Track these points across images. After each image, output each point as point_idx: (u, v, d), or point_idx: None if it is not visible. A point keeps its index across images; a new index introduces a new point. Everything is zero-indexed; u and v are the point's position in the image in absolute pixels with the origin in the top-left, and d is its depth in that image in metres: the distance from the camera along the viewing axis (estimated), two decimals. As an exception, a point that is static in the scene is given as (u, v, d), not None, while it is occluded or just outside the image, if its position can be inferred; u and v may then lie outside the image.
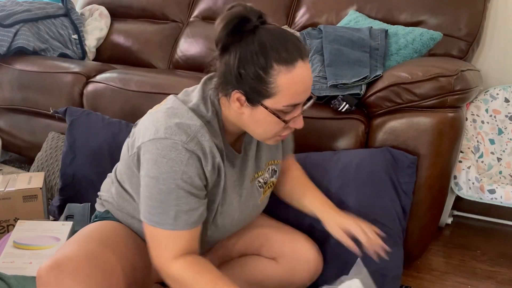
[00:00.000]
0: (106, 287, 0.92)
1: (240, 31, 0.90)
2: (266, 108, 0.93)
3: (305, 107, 0.99)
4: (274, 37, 0.90)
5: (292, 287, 1.18)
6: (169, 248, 0.95)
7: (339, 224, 1.09)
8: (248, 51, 0.89)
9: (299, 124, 0.98)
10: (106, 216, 1.16)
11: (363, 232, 1.06)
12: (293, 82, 0.90)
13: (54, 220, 1.70)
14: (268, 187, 1.18)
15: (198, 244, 1.00)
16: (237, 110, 0.97)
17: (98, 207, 1.21)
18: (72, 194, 1.62)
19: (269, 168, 1.16)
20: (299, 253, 1.17)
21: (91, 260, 0.92)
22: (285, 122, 0.95)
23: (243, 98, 0.94)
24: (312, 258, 1.18)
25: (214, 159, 0.97)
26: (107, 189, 1.17)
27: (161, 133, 0.93)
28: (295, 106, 0.94)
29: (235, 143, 1.08)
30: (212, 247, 1.24)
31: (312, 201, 1.17)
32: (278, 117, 0.94)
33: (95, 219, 1.19)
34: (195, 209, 0.96)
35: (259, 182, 1.14)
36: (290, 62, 0.89)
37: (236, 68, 0.91)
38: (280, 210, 1.42)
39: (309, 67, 0.94)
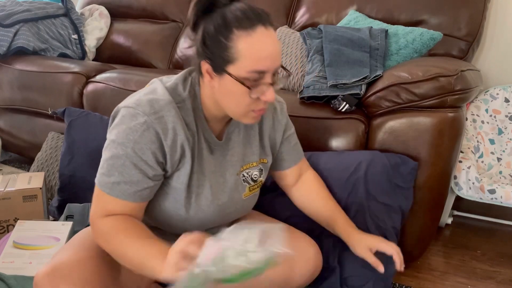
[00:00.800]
0: (99, 285, 0.94)
1: (208, 10, 0.94)
2: (230, 75, 0.93)
3: (280, 85, 0.99)
4: (237, 9, 0.93)
5: (292, 285, 1.18)
6: (103, 208, 0.97)
7: (369, 245, 1.16)
8: (212, 23, 0.93)
9: (268, 96, 0.96)
10: None
11: (396, 252, 1.14)
12: (253, 46, 0.91)
13: (54, 220, 1.70)
14: (257, 186, 1.18)
15: (137, 216, 1.00)
16: (209, 85, 0.98)
17: None
18: (71, 194, 1.62)
19: (258, 167, 1.17)
20: (298, 252, 1.17)
21: (84, 265, 0.94)
22: (249, 88, 0.93)
23: (210, 68, 0.95)
24: (312, 256, 1.18)
25: (176, 136, 0.97)
26: None
27: (131, 103, 0.97)
28: (260, 73, 0.93)
29: (221, 131, 1.09)
30: None
31: (339, 226, 1.22)
32: (243, 84, 0.93)
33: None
34: (135, 183, 0.96)
35: (244, 176, 1.13)
36: (249, 27, 0.91)
37: (202, 40, 0.94)
38: (279, 210, 1.42)
39: (273, 35, 0.94)
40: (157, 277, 0.86)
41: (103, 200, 0.98)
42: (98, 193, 0.99)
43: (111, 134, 0.98)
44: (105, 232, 0.95)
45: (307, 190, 1.29)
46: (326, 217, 1.25)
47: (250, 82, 0.94)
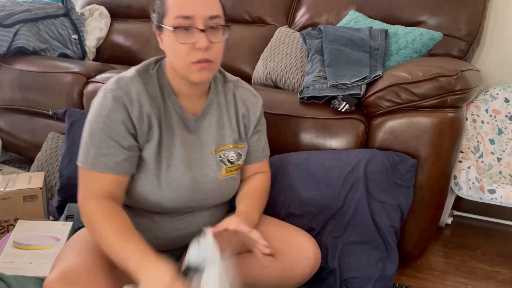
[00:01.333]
0: None
1: None
2: (163, 26, 1.03)
3: (221, 39, 1.03)
4: None
5: (292, 282, 1.18)
6: (88, 187, 1.03)
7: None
8: None
9: (200, 43, 0.99)
10: None
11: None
12: None
13: (54, 220, 1.70)
14: (235, 169, 1.20)
15: (120, 194, 1.06)
16: (161, 48, 1.07)
17: None
18: (71, 194, 1.62)
19: (235, 150, 1.20)
20: (298, 248, 1.17)
21: (90, 269, 0.98)
22: (174, 28, 0.99)
23: (155, 28, 1.06)
24: (311, 253, 1.18)
25: (142, 107, 1.04)
26: None
27: (101, 88, 1.07)
28: (186, 19, 0.99)
29: (196, 110, 1.15)
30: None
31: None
32: (174, 31, 1.00)
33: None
34: (113, 154, 1.03)
35: (221, 157, 1.17)
36: None
37: (153, 8, 1.07)
38: (278, 209, 1.42)
39: None
40: (129, 272, 0.94)
41: (87, 179, 1.04)
42: (81, 173, 1.05)
43: (87, 118, 1.06)
44: (91, 217, 1.01)
45: (246, 183, 1.27)
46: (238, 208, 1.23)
47: (181, 30, 1.00)
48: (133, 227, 1.01)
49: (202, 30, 1.00)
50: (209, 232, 0.98)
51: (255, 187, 1.26)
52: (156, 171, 1.09)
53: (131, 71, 1.09)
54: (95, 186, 1.03)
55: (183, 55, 1.02)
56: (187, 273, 0.96)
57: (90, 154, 1.03)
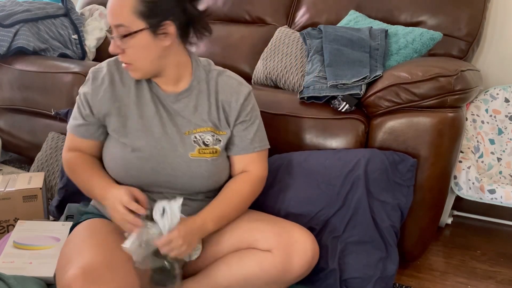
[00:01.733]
0: (126, 287, 1.03)
1: None
2: None
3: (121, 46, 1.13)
4: None
5: (290, 276, 1.18)
6: (67, 144, 1.27)
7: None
8: None
9: (109, 48, 1.14)
10: (90, 211, 1.29)
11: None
12: None
13: (54, 220, 1.70)
14: (210, 152, 1.21)
15: (88, 153, 1.25)
16: None
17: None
18: (71, 194, 1.62)
19: (213, 135, 1.22)
20: (295, 243, 1.17)
21: (110, 265, 1.03)
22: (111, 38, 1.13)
23: None
24: (308, 246, 1.18)
25: (110, 85, 1.21)
26: None
27: None
28: (110, 26, 1.13)
29: (171, 89, 1.22)
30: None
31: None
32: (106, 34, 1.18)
33: (83, 216, 1.28)
34: (76, 119, 1.24)
35: (196, 138, 1.20)
36: None
37: None
38: (277, 207, 1.42)
39: None
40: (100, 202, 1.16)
41: (67, 139, 1.28)
42: (67, 135, 1.28)
43: None
44: (69, 164, 1.24)
45: (234, 180, 1.28)
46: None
47: (108, 34, 1.14)
48: (99, 167, 1.23)
49: (112, 37, 1.13)
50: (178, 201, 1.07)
51: (237, 194, 1.24)
52: (126, 139, 1.19)
53: (113, 57, 1.24)
54: (71, 144, 1.26)
55: None
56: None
57: (70, 121, 1.25)
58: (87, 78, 1.23)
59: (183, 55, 1.21)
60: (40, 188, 1.41)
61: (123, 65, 1.16)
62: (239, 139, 1.26)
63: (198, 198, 1.25)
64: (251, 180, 1.27)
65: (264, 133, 1.32)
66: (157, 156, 1.18)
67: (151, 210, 1.08)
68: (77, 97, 1.24)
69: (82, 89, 1.23)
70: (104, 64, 1.24)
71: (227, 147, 1.27)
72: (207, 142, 1.21)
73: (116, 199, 1.09)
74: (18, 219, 1.39)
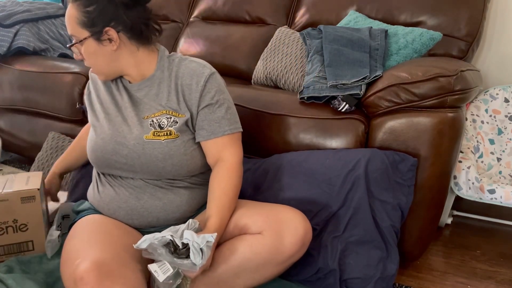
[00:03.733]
0: (135, 283, 1.06)
1: None
2: None
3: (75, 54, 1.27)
4: None
5: (283, 256, 1.18)
6: None
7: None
8: None
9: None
10: (86, 207, 1.36)
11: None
12: None
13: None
14: (164, 134, 1.24)
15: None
16: None
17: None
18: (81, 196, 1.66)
19: (170, 117, 1.25)
20: (284, 222, 1.17)
21: (119, 262, 1.07)
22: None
23: None
24: (299, 224, 1.18)
25: (94, 79, 1.38)
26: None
27: None
28: None
29: (139, 81, 1.30)
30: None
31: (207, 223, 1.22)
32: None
33: (80, 213, 1.34)
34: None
35: (153, 122, 1.26)
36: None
37: None
38: (269, 201, 1.42)
39: (70, 7, 1.20)
40: None
41: None
42: None
43: None
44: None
45: (214, 178, 1.28)
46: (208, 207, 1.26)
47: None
48: (75, 151, 1.55)
49: (71, 46, 1.24)
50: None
51: (223, 193, 1.25)
52: (94, 122, 1.31)
53: None
54: None
55: None
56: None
57: None
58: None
59: (144, 54, 1.27)
60: (38, 189, 1.40)
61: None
62: (207, 123, 1.26)
63: (178, 185, 1.28)
64: (228, 171, 1.26)
65: (235, 117, 1.30)
66: (116, 137, 1.25)
67: (169, 243, 1.08)
68: None
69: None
70: None
71: (197, 133, 1.27)
72: (162, 125, 1.25)
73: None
74: (17, 220, 1.39)
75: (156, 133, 1.24)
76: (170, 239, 1.07)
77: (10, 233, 1.41)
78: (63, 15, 2.49)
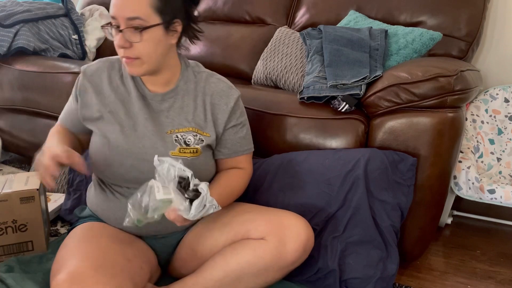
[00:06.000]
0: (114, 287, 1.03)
1: None
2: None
3: (137, 40, 1.12)
4: None
5: (285, 262, 1.18)
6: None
7: None
8: None
9: (115, 41, 1.13)
10: (87, 214, 1.32)
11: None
12: None
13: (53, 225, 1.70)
14: (190, 152, 1.22)
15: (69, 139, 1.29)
16: None
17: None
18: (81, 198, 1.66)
19: (196, 135, 1.23)
20: (287, 227, 1.17)
21: (97, 269, 1.03)
22: (102, 27, 1.15)
23: None
24: (301, 230, 1.18)
25: (98, 84, 1.24)
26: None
27: None
28: (113, 18, 1.11)
29: (159, 90, 1.24)
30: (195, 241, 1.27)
31: None
32: (103, 29, 1.14)
33: (80, 220, 1.31)
34: (65, 112, 1.33)
35: (177, 137, 1.22)
36: None
37: None
38: (275, 206, 1.42)
39: None
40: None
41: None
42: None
43: None
44: (52, 132, 1.32)
45: (220, 177, 1.30)
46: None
47: (106, 28, 1.13)
48: (69, 137, 1.30)
49: (120, 30, 1.10)
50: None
51: (227, 183, 1.27)
52: (107, 136, 1.20)
53: (106, 58, 1.29)
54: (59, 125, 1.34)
55: (116, 49, 1.15)
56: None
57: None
58: (78, 78, 1.29)
59: (176, 57, 1.24)
60: (37, 189, 1.40)
61: (124, 60, 1.14)
62: (230, 142, 1.29)
63: None
64: (240, 173, 1.33)
65: (251, 136, 1.35)
66: (137, 153, 1.19)
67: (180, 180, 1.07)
68: (72, 92, 1.31)
69: (76, 88, 1.30)
70: (93, 63, 1.28)
71: (218, 151, 1.29)
72: (188, 141, 1.22)
73: (50, 148, 1.11)
74: (16, 220, 1.39)
75: (182, 150, 1.21)
76: (188, 176, 1.06)
77: (10, 234, 1.41)
78: (63, 15, 2.49)
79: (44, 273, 1.31)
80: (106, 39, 2.59)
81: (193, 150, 1.22)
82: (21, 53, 2.22)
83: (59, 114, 1.36)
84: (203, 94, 1.25)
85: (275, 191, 1.44)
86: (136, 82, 1.24)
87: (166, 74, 1.22)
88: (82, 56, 2.51)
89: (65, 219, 1.70)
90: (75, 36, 2.48)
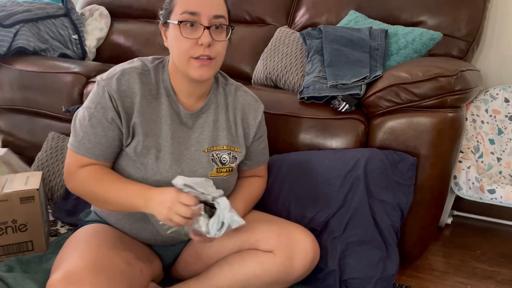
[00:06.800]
0: None
1: None
2: (169, 22, 1.08)
3: (225, 38, 1.09)
4: None
5: (291, 277, 1.18)
6: (76, 162, 1.11)
7: None
8: None
9: (202, 38, 1.04)
10: (93, 218, 1.28)
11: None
12: None
13: (53, 222, 1.70)
14: (226, 170, 1.21)
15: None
16: (166, 45, 1.13)
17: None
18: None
19: (230, 152, 1.21)
20: (296, 243, 1.18)
21: (92, 270, 1.01)
22: (178, 23, 1.05)
23: (161, 25, 1.13)
24: (309, 247, 1.18)
25: (130, 100, 1.10)
26: None
27: (99, 76, 1.14)
28: (192, 14, 1.04)
29: (193, 108, 1.18)
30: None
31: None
32: (179, 25, 1.05)
33: (86, 221, 1.29)
34: (97, 141, 1.10)
35: (213, 156, 1.19)
36: None
37: (160, 8, 1.15)
38: (278, 208, 1.42)
39: None
40: (140, 211, 1.04)
41: (74, 157, 1.12)
42: (69, 153, 1.13)
43: (82, 105, 1.13)
44: (86, 181, 1.09)
45: (243, 184, 1.31)
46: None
47: (185, 25, 1.05)
48: (124, 178, 1.11)
49: (206, 27, 1.05)
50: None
51: (250, 193, 1.29)
52: (144, 162, 1.12)
53: (132, 63, 1.15)
54: (82, 161, 1.11)
55: (185, 49, 1.06)
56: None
57: (78, 137, 1.11)
58: (102, 92, 1.12)
59: None
60: (37, 189, 1.40)
61: (198, 61, 1.06)
62: (254, 153, 1.31)
63: None
64: (260, 181, 1.36)
65: (267, 145, 1.37)
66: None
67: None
68: (89, 117, 1.12)
69: (104, 106, 1.11)
70: (121, 73, 1.13)
71: (242, 162, 1.30)
72: (224, 160, 1.20)
73: (165, 202, 1.01)
74: (16, 220, 1.39)
75: (219, 170, 1.20)
76: (207, 200, 1.04)
77: (10, 234, 1.41)
78: (64, 15, 2.49)
79: (44, 273, 1.31)
80: (106, 39, 2.59)
81: (229, 169, 1.21)
82: (21, 53, 2.22)
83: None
84: (234, 108, 1.23)
85: (275, 191, 1.44)
86: (170, 99, 1.15)
87: (207, 84, 1.18)
88: (82, 56, 2.51)
89: (64, 221, 1.70)
90: (75, 36, 2.48)
